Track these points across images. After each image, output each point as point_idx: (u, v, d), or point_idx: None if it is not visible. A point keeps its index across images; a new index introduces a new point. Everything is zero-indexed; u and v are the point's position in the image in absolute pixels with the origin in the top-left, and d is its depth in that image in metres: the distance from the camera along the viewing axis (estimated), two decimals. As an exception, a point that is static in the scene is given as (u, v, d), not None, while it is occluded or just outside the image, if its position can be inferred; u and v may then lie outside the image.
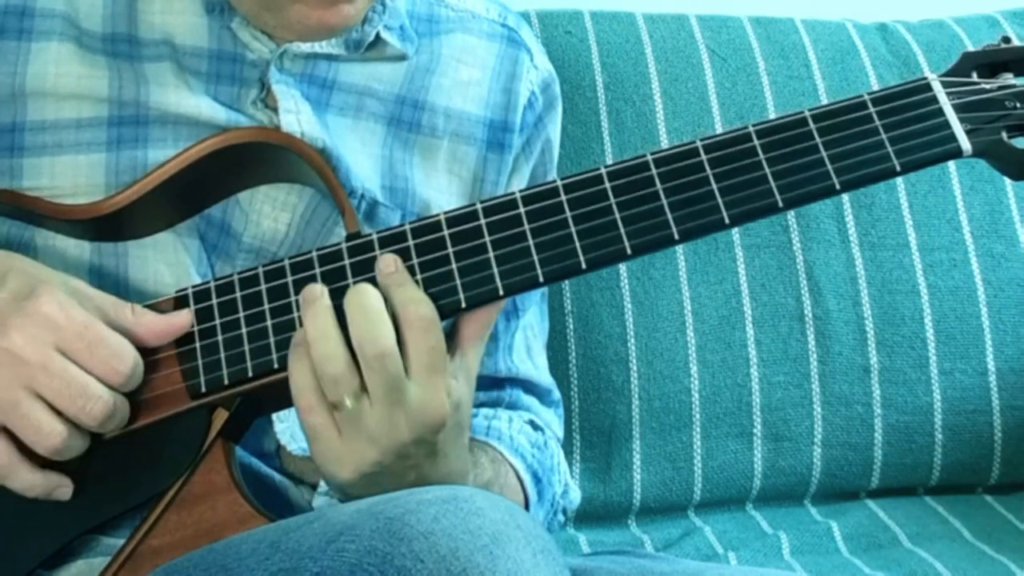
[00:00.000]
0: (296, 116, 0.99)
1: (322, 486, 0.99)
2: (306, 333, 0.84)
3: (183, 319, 0.90)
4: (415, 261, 0.88)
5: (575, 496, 1.16)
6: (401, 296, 0.85)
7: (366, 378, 0.83)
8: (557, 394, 1.19)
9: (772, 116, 0.91)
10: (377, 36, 1.04)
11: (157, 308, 0.91)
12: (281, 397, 0.91)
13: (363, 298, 0.84)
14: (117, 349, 0.85)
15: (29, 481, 0.85)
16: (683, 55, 1.46)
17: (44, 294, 0.84)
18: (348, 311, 0.84)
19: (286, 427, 0.98)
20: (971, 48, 0.95)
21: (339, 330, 0.84)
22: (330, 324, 0.84)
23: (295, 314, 0.89)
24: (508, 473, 1.05)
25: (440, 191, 1.06)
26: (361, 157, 1.03)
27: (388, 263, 0.87)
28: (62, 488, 0.87)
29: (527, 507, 1.06)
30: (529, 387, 1.15)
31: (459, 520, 0.74)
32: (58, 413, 0.83)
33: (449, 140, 1.07)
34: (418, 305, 0.85)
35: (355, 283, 0.86)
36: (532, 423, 1.13)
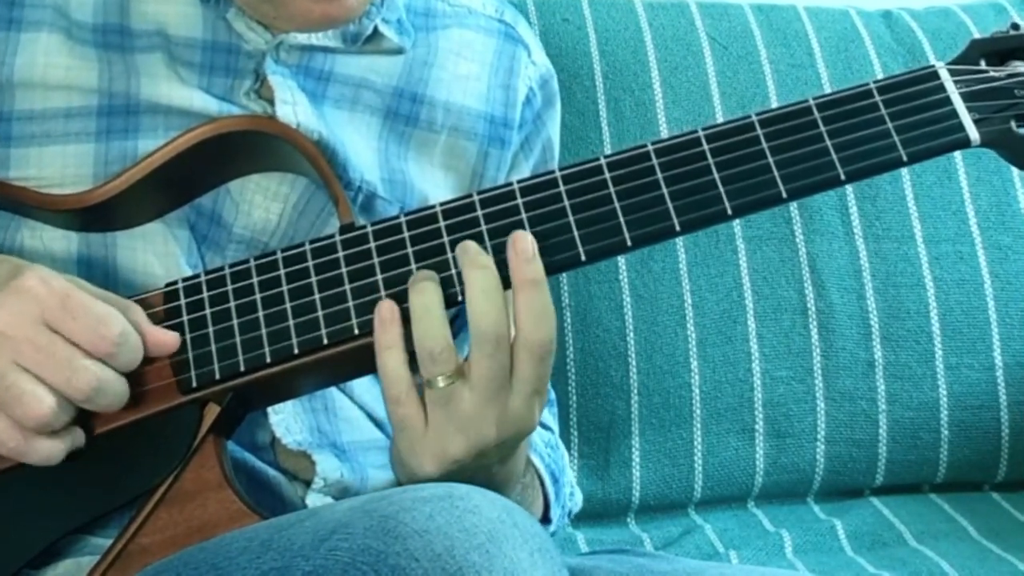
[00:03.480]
0: (293, 107, 0.99)
1: (316, 482, 0.98)
2: (410, 307, 0.83)
3: (172, 341, 0.88)
4: (410, 251, 0.88)
5: (579, 497, 1.16)
6: (531, 302, 0.83)
7: (472, 360, 0.83)
8: (552, 393, 1.19)
9: (774, 105, 0.91)
10: (375, 29, 1.04)
11: (146, 302, 0.90)
12: (274, 392, 0.92)
13: (485, 278, 0.83)
14: (102, 315, 0.83)
15: (49, 449, 0.84)
16: (683, 43, 1.45)
17: (28, 271, 0.84)
18: (469, 288, 0.83)
19: (281, 419, 0.98)
20: (978, 35, 0.94)
21: (442, 304, 0.83)
22: (436, 299, 0.84)
23: (287, 305, 0.88)
24: (534, 473, 1.06)
25: (436, 185, 1.06)
26: (359, 149, 1.03)
27: (528, 246, 0.84)
28: (77, 438, 0.86)
29: (547, 507, 1.06)
30: None
31: (455, 518, 0.73)
32: (47, 386, 0.82)
33: (447, 134, 1.07)
34: (542, 324, 0.83)
35: (473, 257, 0.85)
36: (540, 423, 1.12)
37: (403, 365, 0.84)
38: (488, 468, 0.87)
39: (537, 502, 1.05)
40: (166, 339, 0.88)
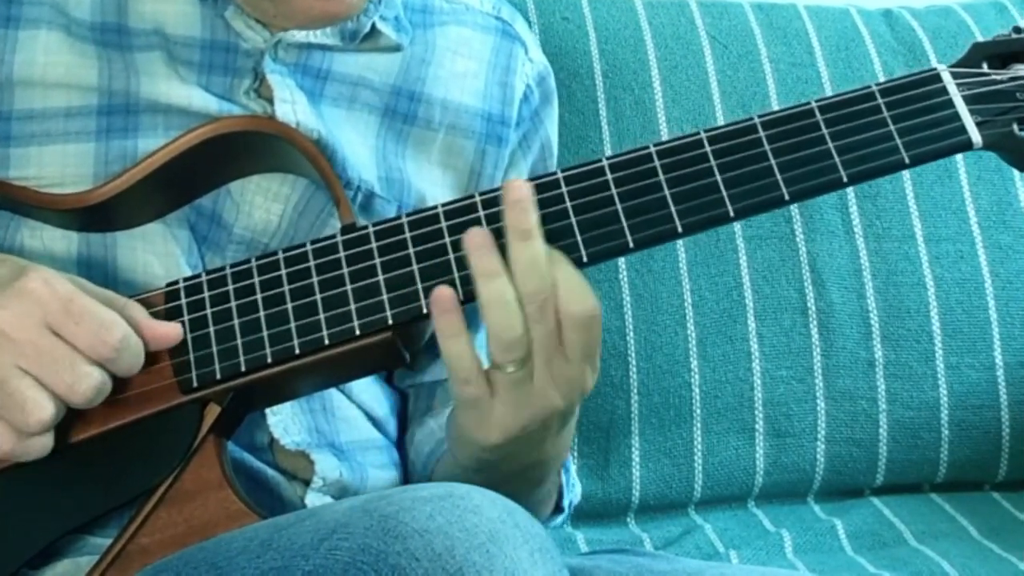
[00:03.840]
0: (292, 106, 0.98)
1: (315, 482, 0.98)
2: (480, 297, 0.83)
3: (174, 332, 0.89)
4: (411, 251, 0.88)
5: (578, 489, 1.16)
6: (566, 283, 0.84)
7: (531, 334, 0.83)
8: None
9: (774, 104, 0.91)
10: (373, 27, 1.04)
11: (147, 302, 0.90)
12: (275, 392, 0.92)
13: (529, 249, 0.83)
14: (105, 320, 0.84)
15: (42, 446, 0.84)
16: (683, 42, 1.45)
17: (31, 273, 0.84)
18: (513, 258, 0.83)
19: (279, 420, 0.98)
20: (978, 35, 0.94)
21: (516, 295, 0.83)
22: (509, 288, 0.83)
23: (289, 306, 0.88)
24: None
25: (434, 184, 1.05)
26: (357, 148, 1.02)
27: (520, 187, 0.84)
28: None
29: (561, 496, 1.07)
30: None
31: (455, 518, 0.73)
32: (48, 391, 0.83)
33: (445, 132, 1.06)
34: (580, 305, 0.84)
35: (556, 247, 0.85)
36: None
37: (469, 349, 0.84)
38: (552, 435, 0.88)
39: (556, 493, 1.06)
40: (167, 331, 0.88)
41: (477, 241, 0.84)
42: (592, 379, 0.86)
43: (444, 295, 0.84)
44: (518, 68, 1.11)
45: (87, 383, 0.83)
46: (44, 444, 0.84)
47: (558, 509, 1.07)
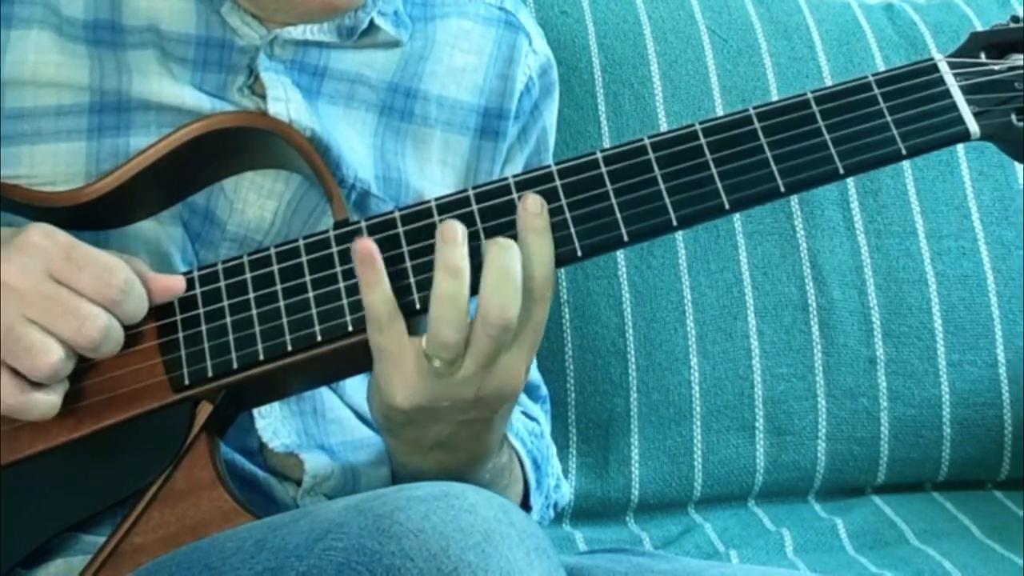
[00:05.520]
0: (285, 104, 0.98)
1: (307, 482, 0.98)
2: (435, 287, 0.83)
3: (178, 284, 0.89)
4: (405, 249, 0.88)
5: (566, 491, 1.16)
6: (536, 247, 0.84)
7: (475, 337, 0.83)
8: (544, 390, 1.19)
9: (774, 98, 0.90)
10: (371, 22, 1.03)
11: None
12: (267, 390, 0.92)
13: (508, 262, 0.83)
14: (108, 264, 0.85)
15: (48, 403, 0.85)
16: (683, 36, 1.45)
17: (31, 227, 0.85)
18: (488, 268, 0.83)
19: (268, 423, 0.97)
20: (980, 28, 0.94)
21: (468, 298, 0.83)
22: (461, 288, 0.83)
23: (280, 303, 0.88)
24: (514, 457, 1.05)
25: (434, 182, 1.05)
26: (355, 146, 1.02)
27: (535, 203, 0.85)
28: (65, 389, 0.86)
29: (527, 494, 1.06)
30: None
31: (450, 517, 0.73)
32: (55, 337, 0.83)
33: (442, 129, 1.06)
34: (548, 266, 0.84)
35: (495, 239, 0.85)
36: (525, 414, 1.12)
37: (385, 302, 0.85)
38: (465, 425, 0.88)
39: (515, 487, 1.05)
40: (171, 284, 0.89)
41: (450, 235, 0.84)
42: (524, 376, 0.87)
43: (364, 247, 0.85)
44: (520, 60, 1.10)
45: (94, 324, 0.83)
46: (49, 402, 0.84)
47: (525, 508, 1.06)
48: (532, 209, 0.85)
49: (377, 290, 0.85)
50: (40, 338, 0.82)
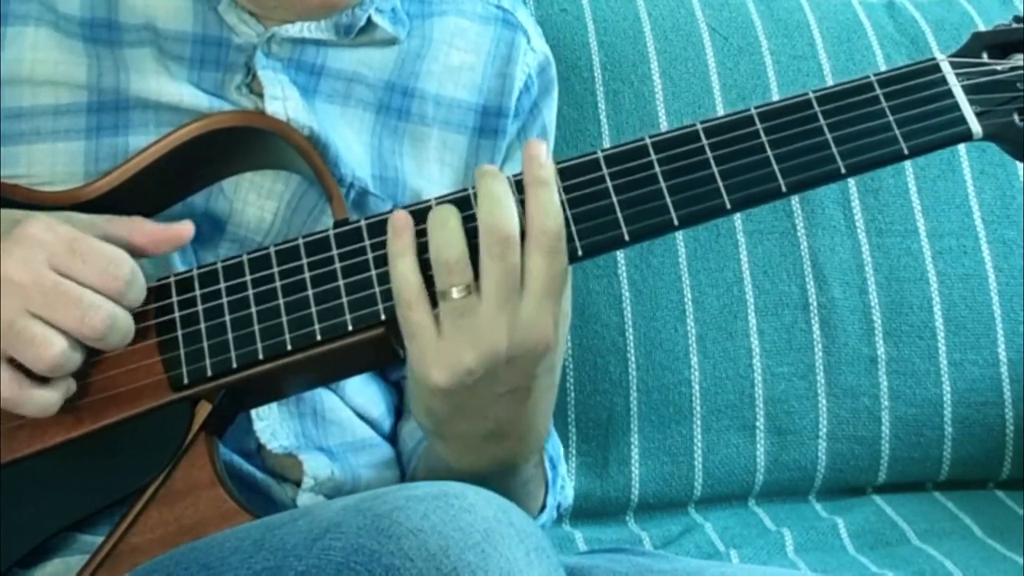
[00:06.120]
0: (283, 103, 0.98)
1: (306, 483, 0.98)
2: (428, 221, 0.84)
3: (185, 229, 0.90)
4: None
5: (570, 492, 1.15)
6: (539, 198, 0.84)
7: (483, 267, 0.82)
8: None
9: (775, 96, 0.90)
10: (368, 20, 1.03)
11: None
12: (266, 390, 0.92)
13: (494, 183, 0.84)
14: (111, 255, 0.85)
15: (46, 400, 0.85)
16: (683, 33, 1.44)
17: (31, 219, 0.85)
18: (479, 193, 0.83)
19: (266, 425, 0.97)
20: (981, 27, 0.94)
21: (460, 219, 0.84)
22: (451, 212, 0.84)
23: (280, 302, 0.88)
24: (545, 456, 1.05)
25: (432, 181, 1.05)
26: (352, 145, 1.02)
27: (541, 151, 0.85)
28: (70, 386, 0.86)
29: (546, 492, 1.06)
30: None
31: (449, 517, 0.73)
32: (58, 329, 0.83)
33: (439, 128, 1.06)
34: (550, 217, 0.83)
35: (481, 167, 0.86)
36: None
37: (414, 271, 0.84)
38: (505, 400, 0.86)
39: (542, 489, 1.04)
40: (181, 231, 0.90)
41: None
42: (555, 332, 0.85)
43: (401, 216, 0.85)
44: (519, 58, 1.10)
45: (97, 314, 0.83)
46: (48, 398, 0.84)
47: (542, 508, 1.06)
48: (539, 159, 0.85)
49: (407, 258, 0.84)
50: (42, 331, 0.82)
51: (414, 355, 0.85)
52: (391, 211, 0.88)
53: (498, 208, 0.82)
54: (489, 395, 0.85)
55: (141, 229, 0.89)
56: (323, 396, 1.00)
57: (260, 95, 0.98)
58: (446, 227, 0.83)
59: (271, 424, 0.97)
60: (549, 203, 0.83)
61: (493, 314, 0.82)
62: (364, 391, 1.03)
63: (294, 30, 1.00)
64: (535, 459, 0.96)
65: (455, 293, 0.82)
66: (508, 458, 0.92)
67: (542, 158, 0.84)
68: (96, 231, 0.87)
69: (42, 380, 0.85)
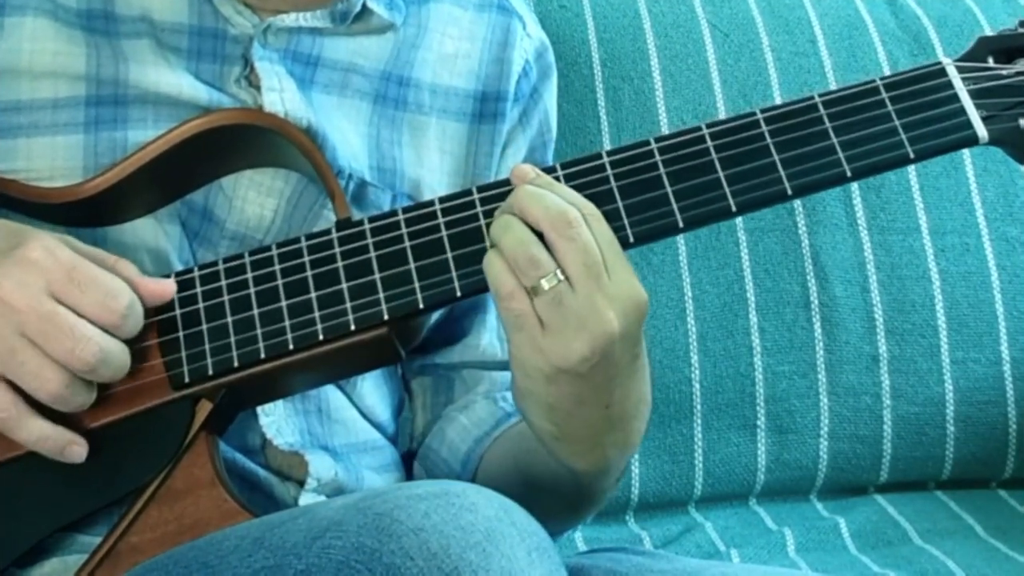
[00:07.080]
0: (280, 94, 0.98)
1: (310, 483, 0.97)
2: (491, 231, 0.85)
3: (169, 288, 0.89)
4: (408, 247, 0.88)
5: None
6: (561, 194, 0.85)
7: (560, 256, 0.82)
8: None
9: (776, 94, 0.90)
10: (364, 6, 1.03)
11: None
12: (267, 389, 0.92)
13: (528, 186, 0.85)
14: (110, 287, 0.84)
15: (39, 431, 0.84)
16: (683, 30, 1.44)
17: (32, 241, 0.84)
18: (519, 199, 0.84)
19: (272, 420, 0.97)
20: (984, 23, 0.94)
21: (520, 219, 0.84)
22: (509, 215, 0.84)
23: (283, 302, 0.88)
24: None
25: (432, 170, 1.05)
26: (348, 136, 1.02)
27: (526, 172, 0.86)
28: (75, 447, 0.86)
29: None
30: None
31: (451, 516, 0.73)
32: (51, 359, 0.83)
33: (437, 117, 1.06)
34: (579, 199, 0.85)
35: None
36: None
37: (507, 269, 0.83)
38: (620, 379, 0.85)
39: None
40: (162, 289, 0.88)
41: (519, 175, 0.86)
42: (641, 288, 0.85)
43: (523, 169, 0.86)
44: (516, 43, 1.09)
45: (88, 348, 0.82)
46: (40, 431, 0.84)
47: None
48: (526, 177, 0.86)
49: (499, 256, 0.83)
50: (37, 361, 0.82)
51: (524, 349, 0.84)
52: (393, 212, 0.88)
53: (548, 196, 0.83)
54: (604, 379, 0.84)
55: (139, 281, 0.88)
56: (329, 394, 1.00)
57: (259, 88, 0.98)
58: (511, 229, 0.83)
59: (276, 420, 0.97)
60: (572, 193, 0.85)
61: (588, 293, 0.82)
62: (372, 393, 1.03)
63: (290, 19, 0.99)
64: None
65: (545, 284, 0.82)
66: (627, 445, 0.92)
67: (522, 175, 0.86)
68: (100, 263, 0.86)
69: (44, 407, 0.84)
